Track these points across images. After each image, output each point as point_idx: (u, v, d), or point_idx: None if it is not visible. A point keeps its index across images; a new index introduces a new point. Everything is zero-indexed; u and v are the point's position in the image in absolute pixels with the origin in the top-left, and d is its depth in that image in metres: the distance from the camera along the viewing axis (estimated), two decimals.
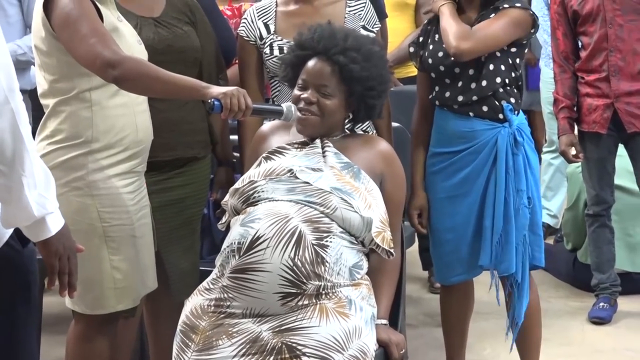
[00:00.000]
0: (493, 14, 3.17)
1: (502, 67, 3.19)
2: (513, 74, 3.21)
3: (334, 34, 2.83)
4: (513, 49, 3.22)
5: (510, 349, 3.36)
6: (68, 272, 2.14)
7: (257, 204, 2.65)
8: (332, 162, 2.73)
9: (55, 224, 2.08)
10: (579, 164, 4.31)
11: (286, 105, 2.77)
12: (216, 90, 2.59)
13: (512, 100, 3.21)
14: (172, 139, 3.09)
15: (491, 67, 3.17)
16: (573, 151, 4.12)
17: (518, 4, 3.18)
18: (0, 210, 2.04)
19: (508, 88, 3.21)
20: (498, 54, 3.18)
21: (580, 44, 4.17)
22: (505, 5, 3.16)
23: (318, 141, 2.79)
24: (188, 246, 3.21)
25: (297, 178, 2.66)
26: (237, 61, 3.43)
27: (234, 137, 3.38)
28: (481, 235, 3.22)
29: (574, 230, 4.76)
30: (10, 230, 2.11)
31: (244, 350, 2.45)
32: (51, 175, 2.08)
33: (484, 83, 3.16)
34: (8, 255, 2.10)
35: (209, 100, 2.57)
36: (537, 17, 3.24)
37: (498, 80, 3.17)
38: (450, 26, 3.13)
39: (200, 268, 3.22)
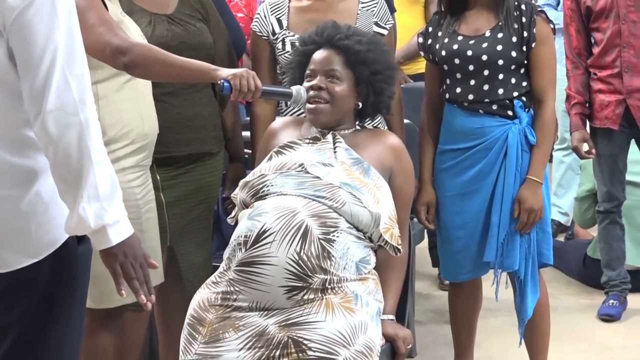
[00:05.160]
0: (519, 15, 3.14)
1: (522, 82, 3.19)
2: (525, 83, 3.20)
3: (337, 24, 2.87)
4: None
5: (518, 345, 3.35)
6: (138, 280, 2.11)
7: (265, 198, 2.65)
8: (342, 158, 2.73)
9: (118, 234, 2.06)
10: None
11: (295, 88, 2.77)
12: (226, 71, 2.61)
13: (524, 98, 3.19)
14: (186, 135, 3.09)
15: (513, 80, 3.16)
16: (585, 147, 4.10)
17: (542, 13, 3.18)
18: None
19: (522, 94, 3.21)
20: (522, 70, 3.18)
21: (593, 40, 4.15)
22: (534, 17, 3.14)
23: (330, 136, 2.79)
24: (201, 241, 3.20)
25: (307, 172, 2.66)
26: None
27: (246, 134, 3.37)
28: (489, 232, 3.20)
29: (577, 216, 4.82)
30: None
31: (250, 344, 2.46)
32: (119, 188, 2.08)
33: (500, 91, 3.15)
34: (62, 251, 2.11)
35: (219, 82, 2.58)
36: (555, 26, 3.25)
37: (515, 94, 3.17)
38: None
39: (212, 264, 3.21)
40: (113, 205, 2.04)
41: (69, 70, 1.96)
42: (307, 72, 2.82)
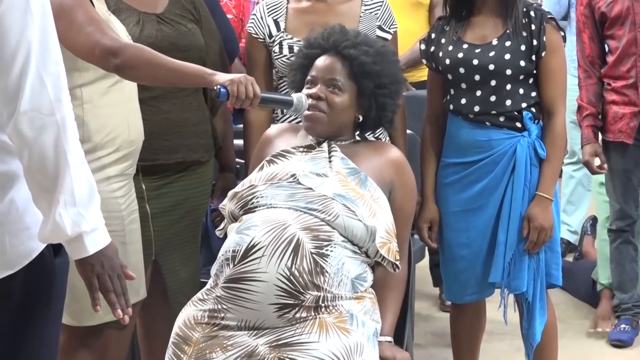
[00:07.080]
0: (528, 22, 3.05)
1: (531, 93, 3.09)
2: (534, 94, 3.11)
3: (345, 30, 2.80)
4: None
5: None
6: (115, 292, 2.08)
7: (254, 210, 2.58)
8: (338, 168, 2.65)
9: (95, 243, 2.02)
10: None
11: (296, 96, 2.70)
12: (223, 77, 2.54)
13: (533, 109, 3.10)
14: (175, 142, 3.02)
15: (521, 91, 3.07)
16: (597, 161, 4.03)
17: (552, 21, 3.10)
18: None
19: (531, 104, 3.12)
20: (531, 80, 3.09)
21: (607, 48, 4.08)
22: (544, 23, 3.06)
23: (325, 145, 2.72)
24: (188, 255, 3.13)
25: (299, 183, 2.59)
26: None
27: (238, 142, 3.31)
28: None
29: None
30: None
31: None
32: (97, 193, 2.04)
33: (508, 102, 3.06)
34: (37, 263, 2.05)
35: (215, 88, 2.51)
36: (565, 34, 3.17)
37: (524, 105, 3.08)
38: None
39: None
40: (91, 211, 1.99)
41: (44, 69, 1.92)
42: (308, 78, 2.76)
